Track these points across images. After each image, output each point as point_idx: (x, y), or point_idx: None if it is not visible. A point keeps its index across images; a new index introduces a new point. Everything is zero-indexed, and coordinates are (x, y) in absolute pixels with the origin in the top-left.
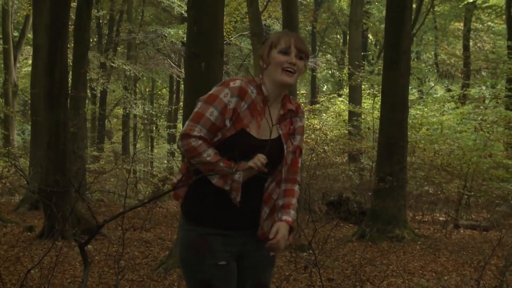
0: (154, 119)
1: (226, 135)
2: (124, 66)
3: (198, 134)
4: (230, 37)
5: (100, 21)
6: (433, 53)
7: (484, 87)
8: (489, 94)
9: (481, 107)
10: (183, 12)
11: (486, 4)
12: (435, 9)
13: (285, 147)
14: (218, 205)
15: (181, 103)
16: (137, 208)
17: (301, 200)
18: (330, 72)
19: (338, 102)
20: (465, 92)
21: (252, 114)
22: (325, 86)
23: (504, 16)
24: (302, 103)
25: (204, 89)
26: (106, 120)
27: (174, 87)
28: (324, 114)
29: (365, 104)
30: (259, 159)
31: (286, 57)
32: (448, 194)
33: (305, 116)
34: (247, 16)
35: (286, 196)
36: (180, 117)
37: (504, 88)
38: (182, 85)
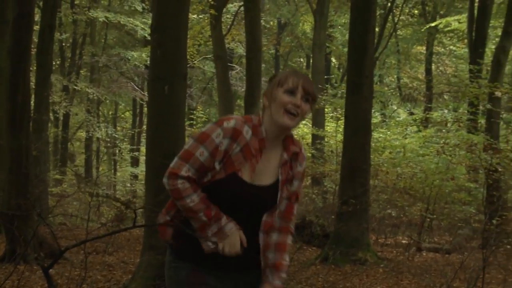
0: (117, 142)
1: (215, 177)
2: (87, 89)
3: (186, 174)
4: (193, 60)
5: (63, 44)
6: (395, 76)
7: (446, 111)
8: (451, 118)
9: (443, 130)
10: (146, 35)
11: (448, 28)
12: (397, 33)
13: (279, 194)
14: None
15: (144, 126)
16: (101, 238)
17: None
18: None
19: (302, 125)
20: (428, 116)
21: (246, 157)
22: None
23: (465, 40)
24: None
25: (167, 113)
26: (69, 143)
27: (137, 110)
28: None
29: (328, 127)
30: (235, 247)
31: (291, 98)
32: (411, 217)
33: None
34: (211, 40)
35: (277, 251)
36: (143, 140)
37: (466, 111)
38: (145, 108)
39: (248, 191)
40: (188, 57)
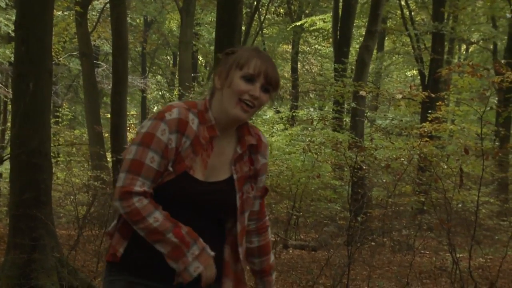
0: None
1: (164, 179)
2: None
3: (141, 190)
4: (59, 57)
5: None
6: None
7: (312, 109)
8: (316, 116)
9: (309, 128)
10: (10, 31)
11: (313, 27)
12: (264, 31)
13: (237, 197)
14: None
15: (9, 124)
16: None
17: None
18: (160, 93)
19: None
20: (294, 114)
21: (195, 151)
22: (156, 107)
23: (330, 39)
24: (132, 124)
25: (32, 110)
26: None
27: (1, 107)
28: None
29: None
30: (213, 270)
31: (249, 86)
32: (278, 215)
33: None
34: (76, 37)
35: (262, 255)
36: (7, 137)
37: (331, 110)
38: (10, 106)
39: (204, 191)
40: (53, 54)
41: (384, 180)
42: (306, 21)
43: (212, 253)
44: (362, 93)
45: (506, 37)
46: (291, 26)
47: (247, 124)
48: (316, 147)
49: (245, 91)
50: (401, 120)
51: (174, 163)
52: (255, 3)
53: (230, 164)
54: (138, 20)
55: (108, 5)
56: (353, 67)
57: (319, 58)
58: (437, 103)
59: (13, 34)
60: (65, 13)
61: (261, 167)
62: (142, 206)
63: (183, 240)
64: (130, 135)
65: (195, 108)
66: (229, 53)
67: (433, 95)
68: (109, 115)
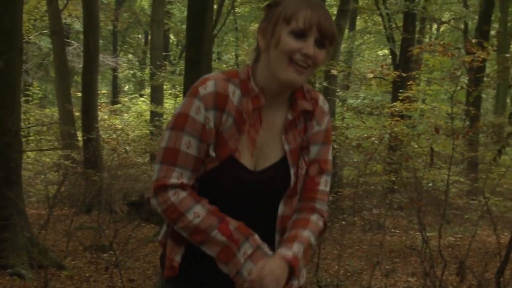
0: None
1: (207, 167)
2: None
3: (178, 182)
4: (29, 35)
5: None
6: (234, 54)
7: None
8: None
9: None
10: None
11: None
12: (235, 10)
13: (292, 173)
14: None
15: None
16: None
17: (101, 200)
18: (131, 72)
19: (140, 102)
20: None
21: (240, 130)
22: (127, 86)
23: None
24: (103, 103)
25: (2, 88)
26: None
27: None
28: (126, 114)
29: (167, 104)
30: (277, 276)
31: (301, 43)
32: None
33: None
34: (47, 15)
35: (294, 228)
36: None
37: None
38: None
39: (253, 180)
40: (23, 32)
41: (355, 159)
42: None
43: (270, 253)
44: (334, 72)
45: (476, 17)
46: (262, 5)
47: (302, 88)
48: None
49: (296, 49)
50: (372, 100)
51: (216, 146)
52: None
53: (280, 134)
54: None
55: None
56: None
57: None
58: (408, 83)
59: None
60: None
61: (315, 136)
62: (179, 201)
63: (232, 238)
64: (101, 114)
65: (237, 78)
66: (272, 5)
67: (404, 75)
68: (80, 94)
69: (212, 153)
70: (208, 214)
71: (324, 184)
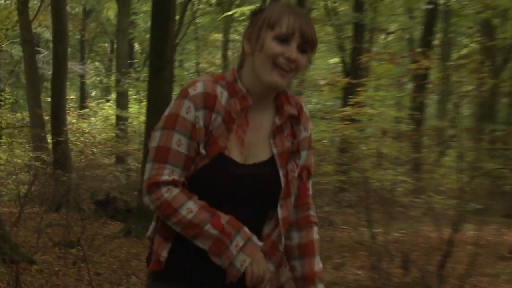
0: None
1: (197, 166)
2: None
3: (170, 178)
4: (1, 44)
5: None
6: (195, 61)
7: None
8: None
9: None
10: None
11: (243, 17)
12: (196, 21)
13: (281, 174)
14: (201, 257)
15: None
16: None
17: (70, 199)
18: (98, 78)
19: (106, 107)
20: None
21: (229, 129)
22: (94, 91)
23: None
24: (71, 108)
25: None
26: None
27: None
28: (93, 118)
29: (132, 109)
30: (264, 266)
31: (284, 47)
32: None
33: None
34: (18, 24)
35: (304, 256)
36: None
37: None
38: None
39: (243, 174)
40: None
41: None
42: (236, 11)
43: (260, 244)
44: None
45: (421, 28)
46: (222, 16)
47: (286, 93)
48: None
49: (280, 53)
50: (324, 105)
51: (206, 144)
52: None
53: (269, 138)
54: (77, 9)
55: None
56: None
57: None
58: (358, 89)
59: None
60: (7, 1)
61: (303, 140)
62: (172, 197)
63: (224, 231)
64: (69, 118)
65: (223, 80)
66: (257, 12)
67: (354, 81)
68: (49, 99)
69: (203, 151)
70: (201, 209)
71: (311, 188)
